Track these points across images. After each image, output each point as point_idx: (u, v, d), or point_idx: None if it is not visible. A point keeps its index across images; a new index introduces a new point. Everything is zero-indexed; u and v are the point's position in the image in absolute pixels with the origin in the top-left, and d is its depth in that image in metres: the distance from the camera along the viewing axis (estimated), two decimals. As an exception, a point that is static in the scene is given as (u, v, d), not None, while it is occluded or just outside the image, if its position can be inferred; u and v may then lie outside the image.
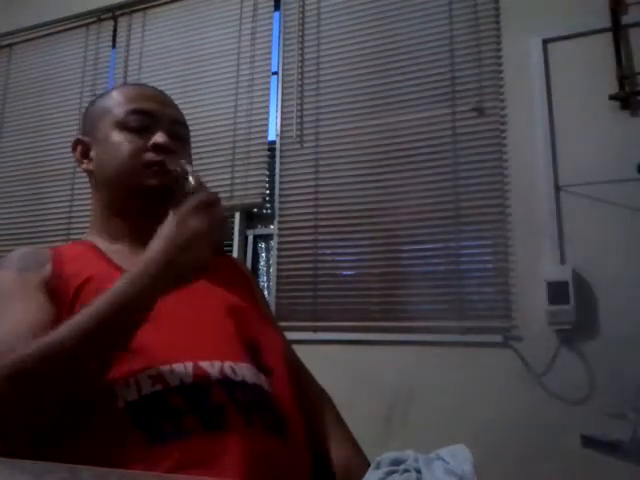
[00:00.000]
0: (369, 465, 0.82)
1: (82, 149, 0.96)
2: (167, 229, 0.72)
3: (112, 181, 0.91)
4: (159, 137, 0.89)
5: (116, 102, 0.94)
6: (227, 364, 0.77)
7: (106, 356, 0.68)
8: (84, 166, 0.96)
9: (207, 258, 0.72)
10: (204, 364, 0.75)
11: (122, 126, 0.91)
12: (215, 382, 0.74)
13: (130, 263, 0.86)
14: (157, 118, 0.91)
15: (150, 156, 0.88)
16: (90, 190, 0.98)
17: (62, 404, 0.66)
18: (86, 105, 1.03)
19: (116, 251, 0.89)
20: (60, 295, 0.78)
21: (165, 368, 0.73)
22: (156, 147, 0.88)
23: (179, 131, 0.94)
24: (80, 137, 0.97)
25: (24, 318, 0.73)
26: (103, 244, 0.91)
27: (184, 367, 0.74)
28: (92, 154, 0.94)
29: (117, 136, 0.90)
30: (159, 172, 0.87)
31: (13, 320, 0.73)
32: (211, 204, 0.73)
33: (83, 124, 1.00)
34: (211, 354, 0.76)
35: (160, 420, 0.69)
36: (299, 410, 0.84)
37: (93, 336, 0.66)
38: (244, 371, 0.78)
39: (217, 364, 0.76)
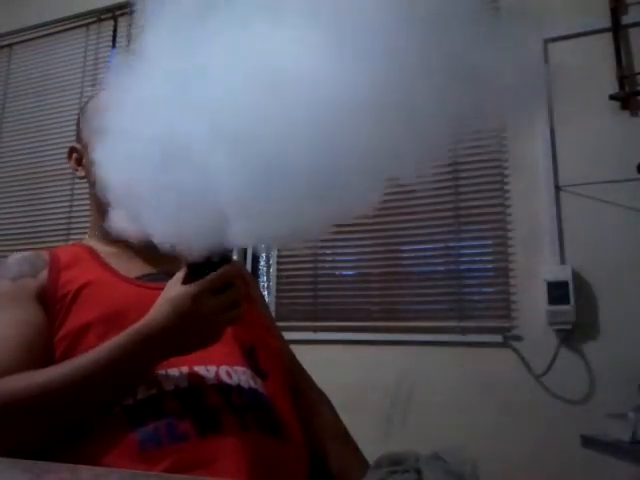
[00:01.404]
0: (367, 465, 0.82)
1: (76, 156, 0.97)
2: (180, 302, 0.68)
3: (98, 189, 0.92)
4: None
5: (101, 103, 0.93)
6: (223, 368, 0.77)
7: (89, 410, 0.70)
8: (78, 173, 0.97)
9: (218, 337, 0.71)
10: (199, 368, 0.75)
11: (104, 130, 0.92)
12: (210, 386, 0.74)
13: (126, 268, 0.87)
14: None
15: None
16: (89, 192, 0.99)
17: (43, 436, 0.68)
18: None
19: (112, 254, 0.90)
20: (56, 301, 0.79)
21: (160, 372, 0.73)
22: None
23: None
24: (74, 145, 0.99)
25: (12, 333, 0.74)
26: (100, 247, 0.92)
27: (179, 372, 0.74)
28: (84, 161, 0.95)
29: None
30: None
31: (1, 335, 0.74)
32: (233, 280, 0.70)
33: (76, 131, 1.01)
34: (206, 359, 0.76)
35: (155, 424, 0.69)
36: (295, 412, 0.84)
37: (80, 395, 0.68)
38: (240, 375, 0.78)
39: (212, 368, 0.76)
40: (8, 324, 0.75)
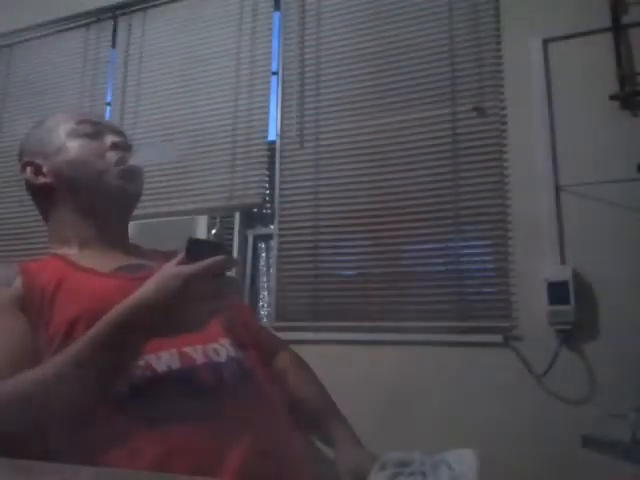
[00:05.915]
0: (333, 403, 0.97)
1: (33, 169, 0.98)
2: (170, 280, 0.67)
3: (80, 183, 0.95)
4: (114, 137, 0.98)
5: (60, 120, 1.00)
6: (209, 346, 0.82)
7: (88, 394, 0.68)
8: (41, 181, 0.97)
9: (199, 326, 0.69)
10: (187, 349, 0.79)
11: (75, 134, 0.97)
12: (200, 365, 0.78)
13: (100, 264, 0.89)
14: (103, 126, 1.00)
15: (112, 154, 0.95)
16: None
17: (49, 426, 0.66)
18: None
19: (84, 256, 0.92)
20: (36, 305, 0.79)
21: (151, 356, 0.75)
22: (114, 146, 0.96)
23: (123, 137, 1.02)
24: (27, 160, 0.99)
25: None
26: (71, 253, 0.93)
27: (169, 354, 0.77)
28: (45, 169, 0.97)
29: (74, 142, 0.96)
30: (126, 172, 0.95)
31: None
32: (223, 271, 0.69)
33: (25, 151, 1.02)
34: (192, 339, 0.79)
35: (149, 407, 0.71)
36: (273, 375, 0.95)
37: (78, 376, 0.66)
38: (226, 350, 0.84)
39: (199, 347, 0.80)
40: None
